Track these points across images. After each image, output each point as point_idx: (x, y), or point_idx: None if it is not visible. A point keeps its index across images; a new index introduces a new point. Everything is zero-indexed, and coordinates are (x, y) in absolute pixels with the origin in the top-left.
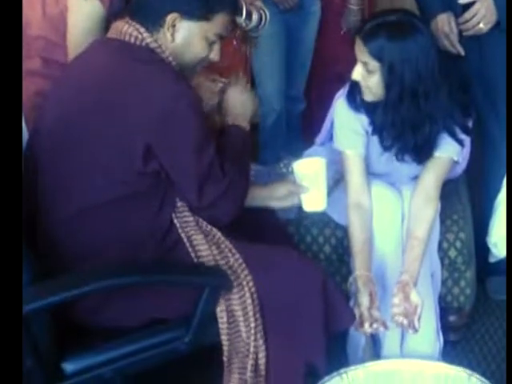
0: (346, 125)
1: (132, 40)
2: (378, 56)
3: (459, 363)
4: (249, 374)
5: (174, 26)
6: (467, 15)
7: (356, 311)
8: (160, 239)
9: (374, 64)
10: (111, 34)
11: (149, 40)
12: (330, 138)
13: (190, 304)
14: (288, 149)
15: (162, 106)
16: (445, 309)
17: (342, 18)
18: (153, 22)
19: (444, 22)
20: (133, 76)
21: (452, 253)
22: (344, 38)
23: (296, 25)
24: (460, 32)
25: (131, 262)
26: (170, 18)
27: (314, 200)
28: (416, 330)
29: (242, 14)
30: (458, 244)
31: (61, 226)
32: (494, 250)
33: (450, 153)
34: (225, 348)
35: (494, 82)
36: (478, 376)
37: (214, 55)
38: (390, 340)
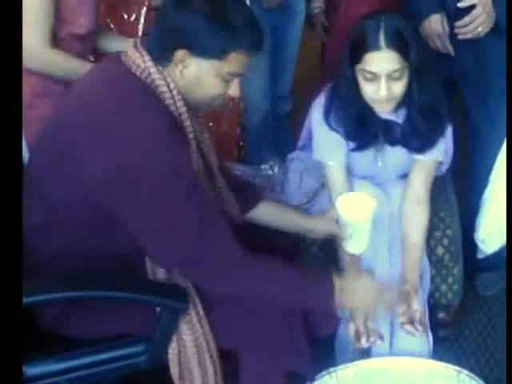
0: (326, 136)
1: (133, 69)
2: (407, 54)
3: (448, 360)
4: None
5: (183, 61)
6: (468, 19)
7: (351, 325)
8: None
9: (404, 65)
10: (124, 55)
11: (152, 70)
12: (311, 141)
13: (153, 322)
14: (274, 150)
15: (116, 161)
16: (433, 306)
17: None
18: (161, 55)
19: (437, 23)
20: (109, 115)
21: (439, 250)
22: None
23: (281, 25)
24: (451, 31)
25: (86, 275)
26: (178, 54)
27: (355, 244)
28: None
29: None
30: (446, 241)
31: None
32: (481, 246)
33: (434, 155)
34: None
35: (488, 80)
36: (466, 372)
37: (233, 92)
38: None
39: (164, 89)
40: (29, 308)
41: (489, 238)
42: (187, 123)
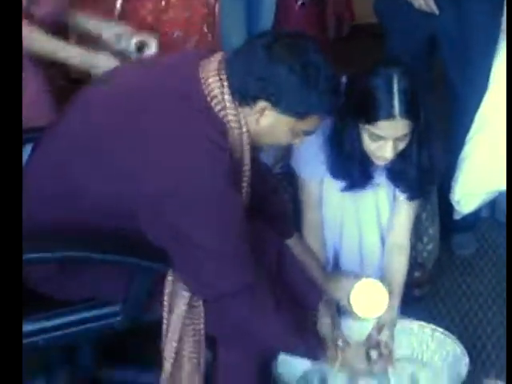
0: (312, 155)
1: (209, 97)
2: (417, 119)
3: (423, 318)
4: None
5: (262, 111)
6: None
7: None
8: None
9: (410, 126)
10: (203, 71)
11: (228, 105)
12: None
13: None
14: None
15: (166, 190)
16: (409, 265)
17: None
18: (242, 97)
19: None
20: (171, 142)
21: None
22: (299, 12)
23: None
24: None
25: (59, 236)
26: (260, 104)
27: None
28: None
29: None
30: (422, 200)
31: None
32: (457, 206)
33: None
34: None
35: (467, 41)
36: (441, 330)
37: (298, 143)
38: None
39: (235, 125)
40: None
41: (464, 198)
42: (246, 161)
